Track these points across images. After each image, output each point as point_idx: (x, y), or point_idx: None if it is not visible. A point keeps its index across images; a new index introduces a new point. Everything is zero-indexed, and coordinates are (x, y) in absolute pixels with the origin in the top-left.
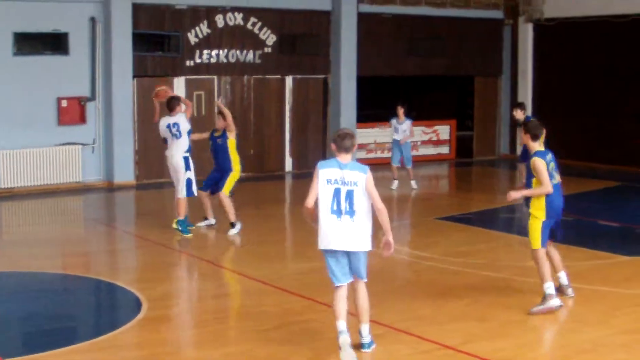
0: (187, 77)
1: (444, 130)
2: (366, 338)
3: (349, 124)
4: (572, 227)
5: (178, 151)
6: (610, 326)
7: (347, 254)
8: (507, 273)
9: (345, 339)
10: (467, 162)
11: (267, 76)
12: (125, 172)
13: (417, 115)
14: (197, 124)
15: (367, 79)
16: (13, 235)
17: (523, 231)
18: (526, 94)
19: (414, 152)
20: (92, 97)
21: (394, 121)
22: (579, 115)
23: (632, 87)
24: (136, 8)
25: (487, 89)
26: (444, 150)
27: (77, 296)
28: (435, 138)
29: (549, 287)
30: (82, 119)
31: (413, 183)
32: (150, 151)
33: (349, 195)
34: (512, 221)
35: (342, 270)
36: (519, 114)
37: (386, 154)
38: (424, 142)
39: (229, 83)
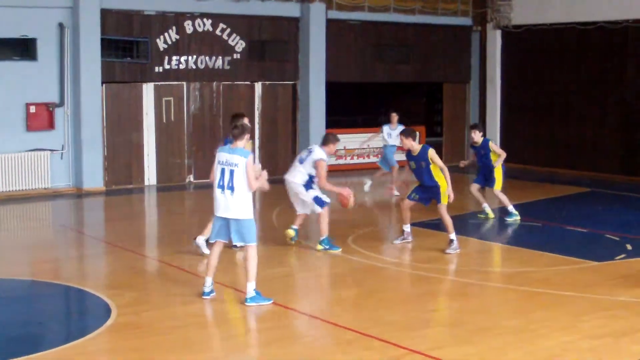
0: (156, 83)
1: None
2: (250, 294)
3: (318, 130)
4: (540, 233)
5: (297, 176)
6: (578, 331)
7: (228, 220)
8: (476, 279)
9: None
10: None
11: (236, 82)
12: (94, 178)
13: (386, 121)
14: (165, 130)
15: (336, 85)
16: None
17: (491, 237)
18: (495, 100)
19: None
20: (61, 103)
21: (386, 127)
22: (547, 121)
23: (599, 93)
24: (105, 14)
25: (455, 95)
26: None
27: (46, 302)
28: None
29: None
30: (51, 125)
31: (395, 190)
32: (119, 157)
33: (231, 174)
34: (481, 227)
35: (219, 231)
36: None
37: (356, 160)
38: None
39: (198, 89)
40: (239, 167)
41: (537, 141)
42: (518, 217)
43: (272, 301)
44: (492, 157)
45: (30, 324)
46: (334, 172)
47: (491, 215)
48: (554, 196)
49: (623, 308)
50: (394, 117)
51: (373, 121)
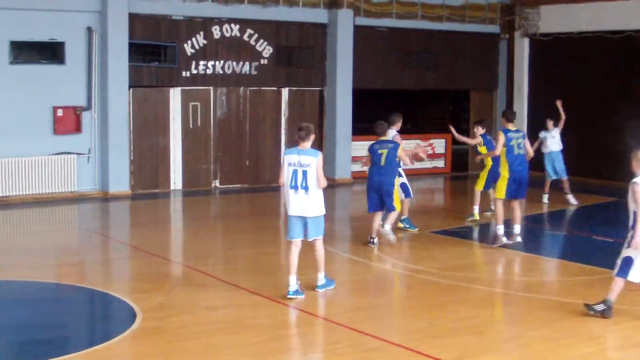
0: (183, 87)
1: (439, 144)
2: (320, 281)
3: (345, 137)
4: (567, 242)
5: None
6: (604, 342)
7: (303, 218)
8: (503, 288)
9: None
10: (463, 175)
11: (263, 88)
12: (120, 182)
13: (413, 128)
14: (192, 134)
15: (363, 91)
16: (7, 243)
17: (518, 246)
18: (522, 108)
19: (410, 165)
20: (88, 107)
21: (543, 134)
22: (574, 130)
23: (626, 102)
24: (132, 18)
25: (482, 103)
26: (440, 164)
27: (71, 306)
28: (430, 151)
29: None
30: (78, 129)
31: (571, 198)
32: (146, 161)
33: (304, 174)
34: (506, 236)
35: (295, 230)
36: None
37: None
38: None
39: (225, 94)
40: (311, 167)
41: (565, 149)
42: (475, 218)
43: (334, 283)
44: (481, 150)
45: (55, 327)
46: (359, 178)
47: (477, 217)
48: (581, 205)
49: None
50: (549, 122)
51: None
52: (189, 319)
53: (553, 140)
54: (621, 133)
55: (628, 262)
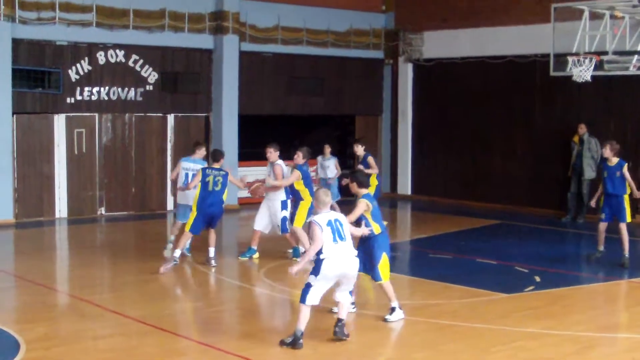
0: (68, 114)
1: None
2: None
3: (231, 163)
4: (450, 265)
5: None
6: None
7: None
8: (386, 311)
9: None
10: (349, 200)
11: (149, 114)
12: (4, 210)
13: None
14: (77, 162)
15: (249, 117)
16: None
17: (401, 269)
18: (406, 132)
19: None
20: None
21: (319, 158)
22: (458, 153)
23: (508, 125)
24: (16, 43)
25: (368, 127)
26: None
27: None
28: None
29: None
30: None
31: None
32: (30, 189)
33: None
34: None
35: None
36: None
37: None
38: None
39: (110, 121)
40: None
41: (449, 173)
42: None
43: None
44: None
45: None
46: (246, 204)
47: None
48: (465, 228)
49: (531, 339)
50: (327, 148)
51: (285, 153)
52: (75, 348)
53: (330, 169)
54: (503, 156)
55: (306, 288)
